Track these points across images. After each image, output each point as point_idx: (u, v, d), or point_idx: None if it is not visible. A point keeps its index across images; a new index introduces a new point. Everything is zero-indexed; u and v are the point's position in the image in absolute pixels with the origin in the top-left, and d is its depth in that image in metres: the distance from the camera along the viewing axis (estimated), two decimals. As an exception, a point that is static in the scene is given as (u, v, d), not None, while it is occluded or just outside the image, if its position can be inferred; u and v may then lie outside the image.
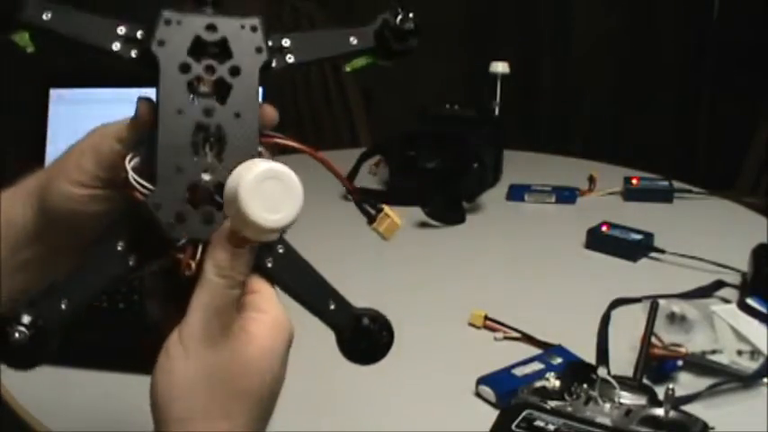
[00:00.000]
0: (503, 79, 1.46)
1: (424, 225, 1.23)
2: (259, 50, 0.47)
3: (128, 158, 0.45)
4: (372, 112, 2.13)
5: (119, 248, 0.45)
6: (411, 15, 0.52)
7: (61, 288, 0.45)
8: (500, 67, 1.46)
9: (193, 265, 0.44)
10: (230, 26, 0.46)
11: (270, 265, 0.46)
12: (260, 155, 0.46)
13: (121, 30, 0.46)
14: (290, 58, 0.49)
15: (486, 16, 2.64)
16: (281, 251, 0.46)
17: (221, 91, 0.46)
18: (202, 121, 0.45)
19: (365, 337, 0.49)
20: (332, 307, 0.48)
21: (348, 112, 2.03)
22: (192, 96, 0.45)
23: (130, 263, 0.45)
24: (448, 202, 1.26)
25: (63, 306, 0.44)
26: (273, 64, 0.48)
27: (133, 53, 0.47)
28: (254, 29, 0.47)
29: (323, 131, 2.04)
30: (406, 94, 2.50)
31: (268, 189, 0.40)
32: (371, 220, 0.51)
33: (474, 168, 1.29)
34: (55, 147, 0.99)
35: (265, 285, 0.47)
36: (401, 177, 1.36)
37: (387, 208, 0.51)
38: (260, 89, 0.47)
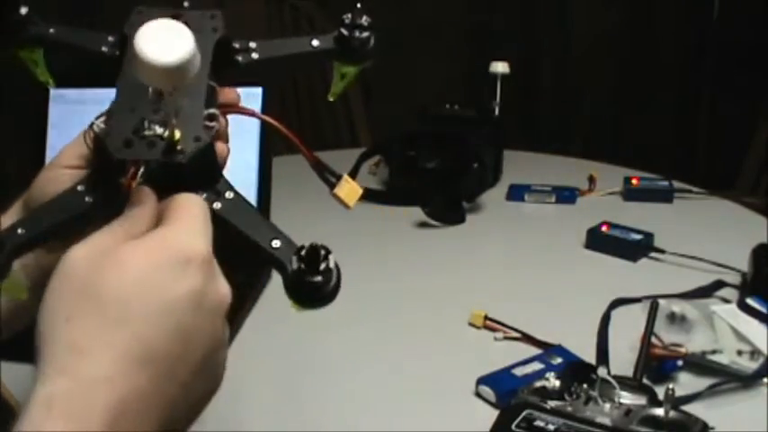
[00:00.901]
0: (503, 79, 1.46)
1: (424, 225, 1.23)
2: (215, 30, 0.51)
3: (96, 116, 0.49)
4: (372, 112, 2.13)
5: (78, 189, 0.48)
6: (365, 13, 0.56)
7: (21, 220, 0.48)
8: (500, 67, 1.46)
9: (134, 185, 0.46)
10: (193, 14, 0.51)
11: (218, 207, 0.48)
12: (209, 118, 0.48)
13: (110, 38, 0.53)
14: (254, 55, 0.54)
15: (486, 16, 2.64)
16: (229, 197, 0.48)
17: None
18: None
19: (307, 270, 0.48)
20: (276, 244, 0.48)
21: (348, 112, 2.03)
22: None
23: (86, 199, 0.48)
24: (448, 202, 1.26)
25: (19, 231, 0.47)
26: (240, 58, 0.53)
27: (117, 52, 0.52)
28: (213, 16, 0.51)
29: (323, 131, 2.04)
30: (406, 94, 2.50)
31: (161, 36, 0.44)
32: (332, 186, 0.52)
33: (474, 168, 1.29)
34: (55, 147, 0.99)
35: (180, 202, 0.46)
36: (401, 177, 1.36)
37: (347, 176, 0.53)
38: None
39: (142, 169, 0.46)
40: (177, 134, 0.46)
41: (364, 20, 0.55)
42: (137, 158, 0.46)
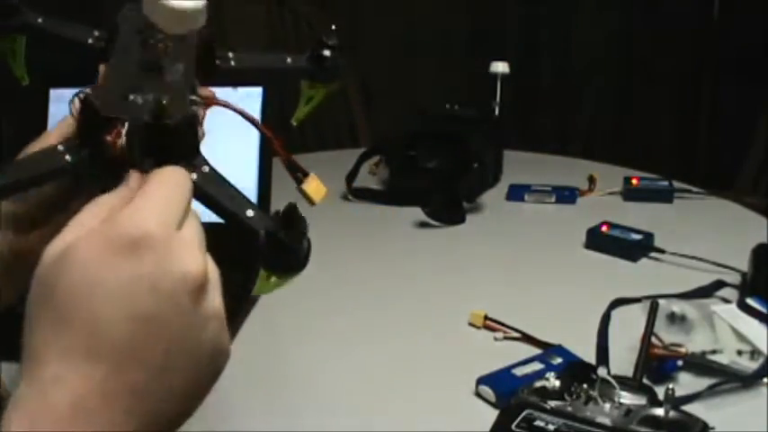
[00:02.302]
0: (503, 79, 1.46)
1: (424, 225, 1.23)
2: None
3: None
4: (372, 112, 2.13)
5: (59, 148, 0.47)
6: (334, 34, 0.59)
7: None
8: (500, 67, 1.46)
9: (119, 142, 0.45)
10: None
11: (194, 177, 0.48)
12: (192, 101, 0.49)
13: (95, 32, 0.55)
14: (232, 62, 0.57)
15: (486, 17, 2.64)
16: (205, 170, 0.48)
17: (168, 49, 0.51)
18: (149, 59, 0.50)
19: (276, 248, 0.49)
20: (250, 214, 0.49)
21: (348, 112, 2.03)
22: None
23: (66, 158, 0.47)
24: (448, 202, 1.26)
25: None
26: (218, 62, 0.56)
27: (103, 44, 0.54)
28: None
29: (323, 131, 2.04)
30: (406, 94, 2.50)
31: None
32: (299, 181, 0.53)
33: (474, 168, 1.30)
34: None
35: (151, 179, 0.43)
36: (401, 177, 1.36)
37: (314, 175, 0.54)
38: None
39: (127, 126, 0.46)
40: (166, 99, 0.46)
41: (333, 41, 0.59)
42: (124, 116, 0.46)
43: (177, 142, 0.47)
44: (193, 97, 0.49)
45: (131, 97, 0.47)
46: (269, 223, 0.48)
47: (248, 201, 0.49)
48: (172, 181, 0.43)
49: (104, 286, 0.38)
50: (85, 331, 0.38)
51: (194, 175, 0.48)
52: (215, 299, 0.42)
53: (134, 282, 0.38)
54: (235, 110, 0.52)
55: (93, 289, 0.38)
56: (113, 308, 0.38)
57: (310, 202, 0.53)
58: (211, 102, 0.52)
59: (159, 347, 0.39)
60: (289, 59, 0.58)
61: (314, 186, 0.53)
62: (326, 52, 0.59)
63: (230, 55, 0.57)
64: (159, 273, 0.39)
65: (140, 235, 0.39)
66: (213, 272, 0.43)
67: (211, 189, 0.48)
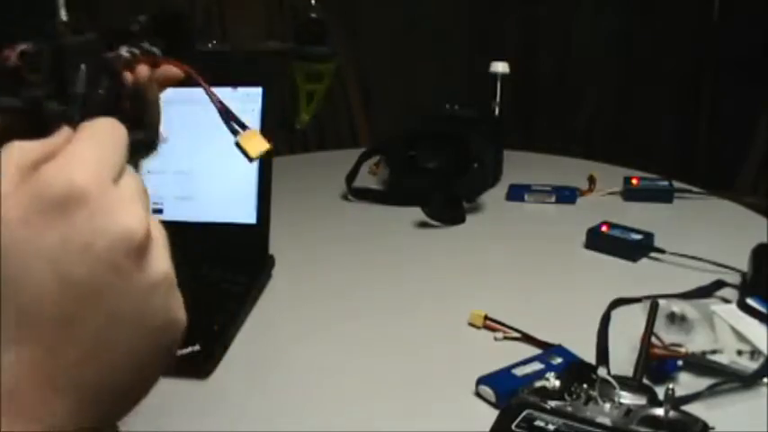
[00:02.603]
0: (503, 79, 1.46)
1: (424, 225, 1.23)
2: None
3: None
4: (372, 112, 2.13)
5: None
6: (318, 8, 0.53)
7: None
8: (500, 67, 1.46)
9: (12, 56, 0.42)
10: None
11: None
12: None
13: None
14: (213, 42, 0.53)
15: (486, 16, 2.64)
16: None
17: None
18: None
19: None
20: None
21: (348, 112, 2.03)
22: None
23: None
24: (448, 202, 1.26)
25: None
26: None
27: None
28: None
29: (323, 131, 2.04)
30: (406, 94, 2.50)
31: None
32: (235, 133, 0.49)
33: (474, 168, 1.30)
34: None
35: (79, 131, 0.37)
36: (401, 177, 1.36)
37: (256, 130, 0.50)
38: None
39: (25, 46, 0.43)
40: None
41: (315, 15, 0.53)
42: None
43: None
44: (133, 49, 0.46)
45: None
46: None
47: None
48: (105, 132, 0.37)
49: (30, 252, 0.33)
50: (11, 305, 0.32)
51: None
52: (161, 261, 0.36)
53: (64, 244, 0.33)
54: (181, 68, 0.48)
55: (17, 256, 0.33)
56: (42, 275, 0.33)
57: (248, 157, 0.49)
58: (155, 62, 0.47)
59: (96, 318, 0.34)
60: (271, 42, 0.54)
61: (253, 143, 0.49)
62: (309, 26, 0.54)
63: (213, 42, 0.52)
64: (93, 232, 0.33)
65: (69, 190, 0.33)
66: (158, 230, 0.37)
67: None
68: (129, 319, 0.35)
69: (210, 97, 0.48)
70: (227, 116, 0.48)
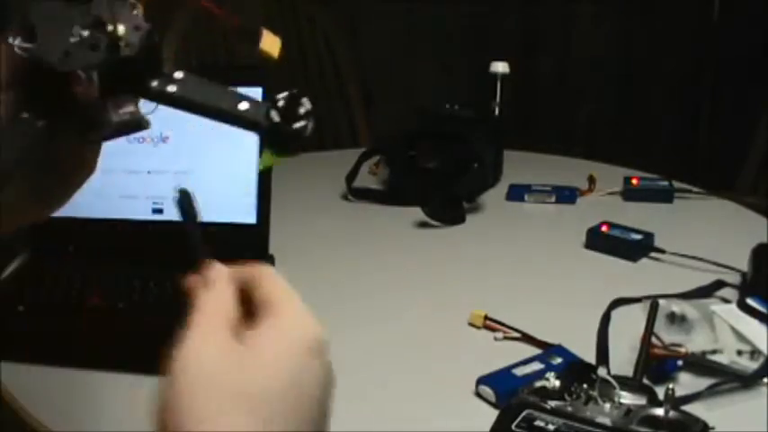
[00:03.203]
0: (503, 79, 1.46)
1: (424, 225, 1.23)
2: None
3: (11, 37, 0.45)
4: (372, 112, 2.13)
5: (24, 116, 0.45)
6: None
7: None
8: (500, 67, 1.46)
9: (94, 92, 0.44)
10: None
11: (174, 89, 0.45)
12: (132, 6, 0.45)
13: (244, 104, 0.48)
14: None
15: (486, 16, 2.64)
16: (180, 77, 0.46)
17: None
18: None
19: (286, 120, 0.46)
20: (244, 107, 0.46)
21: (348, 112, 2.03)
22: None
23: (39, 124, 0.45)
24: (448, 202, 1.26)
25: None
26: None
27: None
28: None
29: (323, 131, 2.04)
30: (406, 94, 2.50)
31: None
32: (255, 41, 0.50)
33: (474, 168, 1.30)
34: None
35: (275, 285, 0.47)
36: (401, 177, 1.36)
37: (264, 29, 0.50)
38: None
39: (96, 76, 0.43)
40: (121, 28, 0.44)
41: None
42: (85, 65, 0.44)
43: (144, 65, 0.45)
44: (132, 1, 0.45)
45: (73, 39, 0.44)
46: (274, 109, 0.46)
47: (235, 93, 0.47)
48: (282, 280, 0.48)
49: (302, 390, 0.43)
50: (259, 404, 0.41)
51: (173, 88, 0.45)
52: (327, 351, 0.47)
53: (321, 383, 0.45)
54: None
55: (294, 391, 0.42)
56: (309, 410, 0.43)
57: (271, 58, 0.50)
58: None
59: (300, 398, 0.43)
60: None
61: (269, 42, 0.50)
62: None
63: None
64: (330, 372, 0.46)
65: (318, 337, 0.46)
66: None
67: (196, 95, 0.46)
68: (317, 395, 0.44)
69: (218, 15, 0.49)
70: (239, 30, 0.49)
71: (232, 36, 0.46)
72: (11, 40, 0.45)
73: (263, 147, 0.48)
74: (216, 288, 0.46)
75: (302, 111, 0.46)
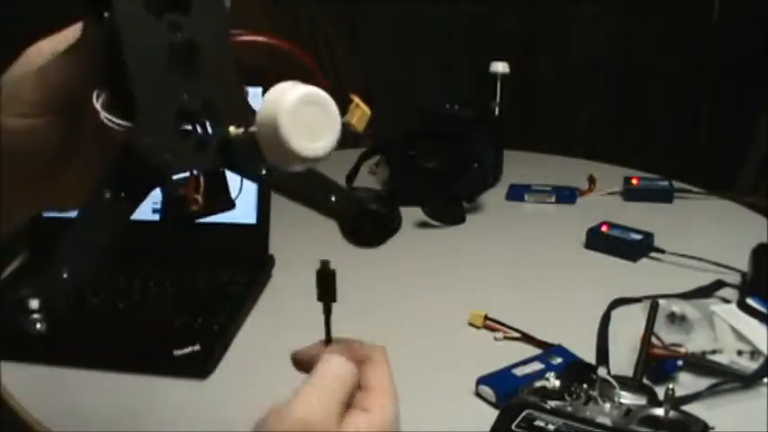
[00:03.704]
0: (503, 79, 1.46)
1: (424, 225, 1.23)
2: None
3: (94, 96, 0.41)
4: (372, 112, 2.13)
5: (107, 197, 0.42)
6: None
7: (59, 258, 0.42)
8: (500, 67, 1.46)
9: (199, 198, 0.42)
10: None
11: (264, 173, 0.44)
12: (233, 61, 0.43)
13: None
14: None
15: (486, 16, 2.64)
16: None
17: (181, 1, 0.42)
18: (171, 38, 0.41)
19: (371, 221, 0.48)
20: (333, 199, 0.47)
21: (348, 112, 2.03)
22: (151, 14, 0.41)
23: (124, 208, 0.42)
24: (448, 202, 1.26)
25: (65, 275, 0.41)
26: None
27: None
28: None
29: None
30: (406, 94, 2.50)
31: (307, 115, 0.38)
32: (343, 112, 0.47)
33: (474, 168, 1.29)
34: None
35: (377, 379, 0.52)
36: (401, 177, 1.36)
37: (356, 98, 0.49)
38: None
39: (203, 182, 0.42)
40: (231, 129, 0.41)
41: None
42: (197, 168, 0.41)
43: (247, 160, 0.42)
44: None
45: (185, 126, 0.40)
46: (355, 205, 0.47)
47: (327, 182, 0.46)
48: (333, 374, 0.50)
49: None
50: None
51: (264, 170, 0.44)
52: None
53: None
54: (274, 43, 0.45)
55: None
56: None
57: (356, 131, 0.48)
58: (245, 42, 0.43)
59: None
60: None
61: (357, 116, 0.49)
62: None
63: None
64: None
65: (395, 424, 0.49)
66: None
67: (284, 181, 0.44)
68: None
69: (317, 76, 0.46)
70: (334, 91, 0.46)
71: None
72: (95, 100, 0.41)
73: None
74: (338, 359, 0.51)
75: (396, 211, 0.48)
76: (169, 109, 0.41)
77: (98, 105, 0.41)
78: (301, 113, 0.38)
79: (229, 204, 0.46)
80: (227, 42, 0.43)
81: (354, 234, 0.48)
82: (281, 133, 0.37)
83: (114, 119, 0.41)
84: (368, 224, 0.48)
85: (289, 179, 0.44)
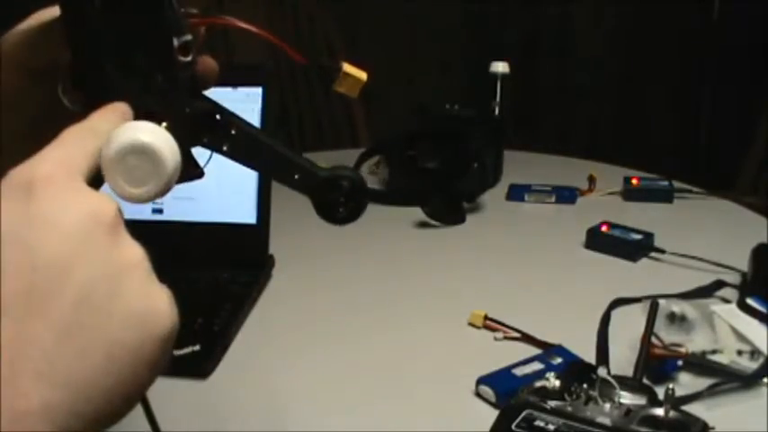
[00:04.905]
0: (503, 79, 1.46)
1: (424, 225, 1.23)
2: None
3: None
4: (372, 112, 2.13)
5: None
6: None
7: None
8: (500, 67, 1.46)
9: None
10: None
11: (225, 148, 0.46)
12: (182, 51, 0.44)
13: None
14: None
15: (486, 16, 2.64)
16: (233, 132, 0.46)
17: None
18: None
19: (337, 196, 0.48)
20: (297, 177, 0.47)
21: (348, 112, 2.03)
22: None
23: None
24: (448, 202, 1.26)
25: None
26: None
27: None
28: None
29: (323, 131, 2.04)
30: (406, 94, 2.50)
31: (131, 163, 0.39)
32: (332, 81, 0.49)
33: (474, 168, 1.29)
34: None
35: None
36: (401, 177, 1.36)
37: (345, 65, 0.49)
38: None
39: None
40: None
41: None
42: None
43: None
44: (183, 42, 0.44)
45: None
46: (319, 181, 0.47)
47: (288, 159, 0.47)
48: (75, 134, 0.38)
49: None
50: None
51: (226, 146, 0.45)
52: (134, 246, 0.36)
53: (30, 221, 0.33)
54: (242, 27, 0.46)
55: None
56: (5, 251, 0.32)
57: (353, 93, 0.49)
58: (208, 21, 0.46)
59: (67, 295, 0.33)
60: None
61: (348, 84, 0.49)
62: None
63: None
64: (60, 209, 0.34)
65: (32, 175, 0.34)
66: (120, 214, 0.37)
67: (246, 157, 0.46)
68: (102, 298, 0.34)
69: (290, 53, 0.48)
70: (317, 65, 0.48)
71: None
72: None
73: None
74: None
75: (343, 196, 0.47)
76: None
77: (60, 90, 0.44)
78: (124, 162, 0.38)
79: (199, 173, 0.47)
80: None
81: (321, 209, 0.48)
82: (106, 178, 0.39)
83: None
84: (334, 200, 0.47)
85: (250, 155, 0.46)
